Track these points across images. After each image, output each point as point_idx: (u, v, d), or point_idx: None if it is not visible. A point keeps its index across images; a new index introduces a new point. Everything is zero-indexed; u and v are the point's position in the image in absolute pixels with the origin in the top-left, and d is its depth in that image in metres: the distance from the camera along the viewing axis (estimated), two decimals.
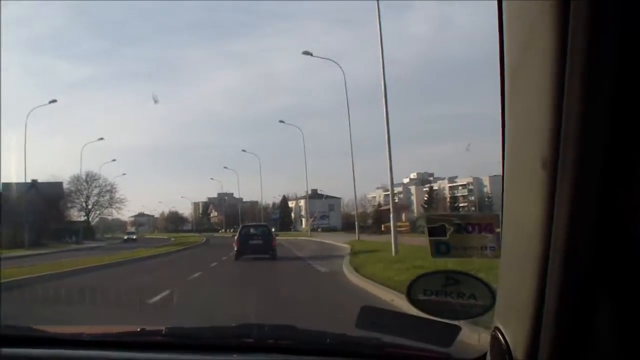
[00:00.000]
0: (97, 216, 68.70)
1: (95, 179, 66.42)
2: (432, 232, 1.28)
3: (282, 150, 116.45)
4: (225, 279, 14.25)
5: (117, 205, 69.05)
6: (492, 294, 1.24)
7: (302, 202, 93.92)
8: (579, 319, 0.84)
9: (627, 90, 0.75)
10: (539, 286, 0.87)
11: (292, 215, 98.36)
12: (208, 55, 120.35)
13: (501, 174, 1.02)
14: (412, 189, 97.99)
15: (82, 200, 66.10)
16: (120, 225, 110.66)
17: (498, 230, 1.22)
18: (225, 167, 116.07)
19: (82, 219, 65.11)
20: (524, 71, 0.88)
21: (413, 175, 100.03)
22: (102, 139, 62.39)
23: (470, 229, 1.27)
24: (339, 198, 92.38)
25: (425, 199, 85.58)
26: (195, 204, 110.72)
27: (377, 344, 1.48)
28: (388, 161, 18.71)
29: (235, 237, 22.12)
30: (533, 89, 0.85)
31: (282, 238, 43.98)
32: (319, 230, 73.37)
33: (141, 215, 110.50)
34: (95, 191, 67.38)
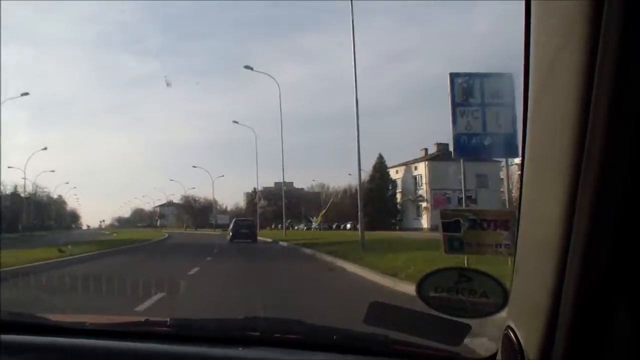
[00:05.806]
0: None
1: None
2: (446, 228, 1.26)
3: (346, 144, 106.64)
4: None
5: None
6: (505, 293, 1.22)
7: (420, 167, 51.81)
8: (596, 322, 0.82)
9: None
10: (556, 287, 0.85)
11: (399, 195, 53.30)
12: (273, 50, 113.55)
13: (520, 172, 1.00)
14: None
15: None
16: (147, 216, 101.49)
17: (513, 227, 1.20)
18: (193, 167, 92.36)
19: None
20: (555, 70, 0.87)
21: None
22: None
23: (485, 225, 1.26)
24: (498, 162, 35.92)
25: None
26: (247, 194, 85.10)
27: (385, 340, 1.46)
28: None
29: (230, 227, 33.81)
30: (564, 88, 0.83)
31: None
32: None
33: (168, 204, 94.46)
34: None
